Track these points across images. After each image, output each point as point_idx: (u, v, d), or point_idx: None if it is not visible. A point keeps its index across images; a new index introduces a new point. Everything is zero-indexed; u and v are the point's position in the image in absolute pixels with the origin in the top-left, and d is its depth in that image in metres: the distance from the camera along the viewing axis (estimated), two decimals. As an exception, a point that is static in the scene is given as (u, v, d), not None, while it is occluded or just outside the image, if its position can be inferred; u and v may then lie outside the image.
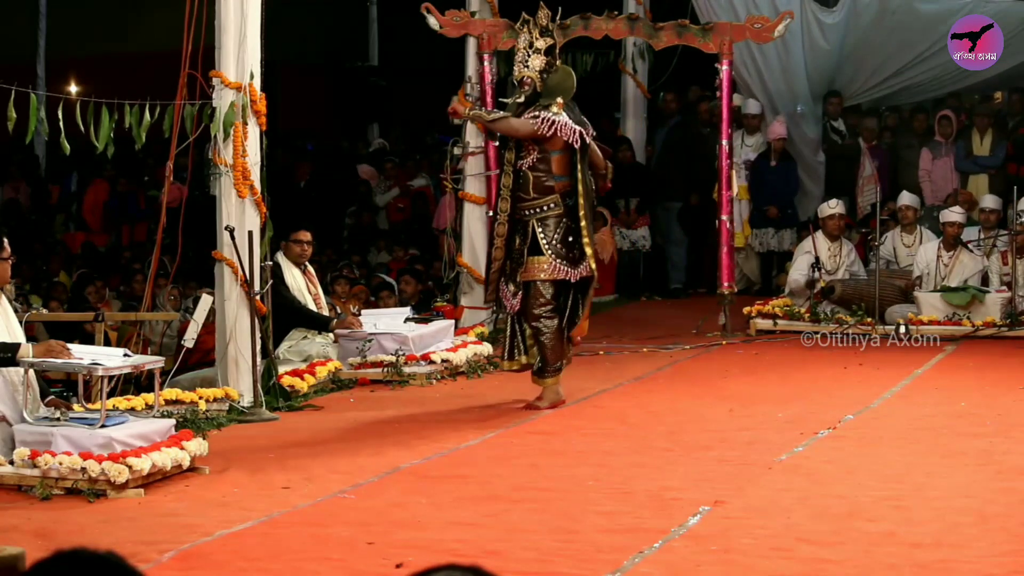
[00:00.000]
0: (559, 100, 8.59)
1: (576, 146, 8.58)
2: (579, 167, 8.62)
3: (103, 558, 2.50)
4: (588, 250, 8.61)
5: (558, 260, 8.59)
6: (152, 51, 15.13)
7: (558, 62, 8.82)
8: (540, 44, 8.72)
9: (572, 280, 8.67)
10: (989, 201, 12.67)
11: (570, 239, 8.62)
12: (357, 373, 9.92)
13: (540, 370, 8.81)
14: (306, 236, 10.24)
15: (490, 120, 8.91)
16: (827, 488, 6.62)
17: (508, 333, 8.96)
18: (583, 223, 8.59)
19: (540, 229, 8.61)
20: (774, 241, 14.48)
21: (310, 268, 10.48)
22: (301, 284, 10.21)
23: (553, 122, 8.50)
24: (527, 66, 8.70)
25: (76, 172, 17.12)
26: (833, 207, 12.57)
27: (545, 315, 8.68)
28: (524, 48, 8.74)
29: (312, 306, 10.21)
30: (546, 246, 8.59)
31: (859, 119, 14.94)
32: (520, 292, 8.73)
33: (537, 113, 8.57)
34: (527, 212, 8.66)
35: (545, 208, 8.63)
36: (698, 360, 10.92)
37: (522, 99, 8.72)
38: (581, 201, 8.59)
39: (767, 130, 14.52)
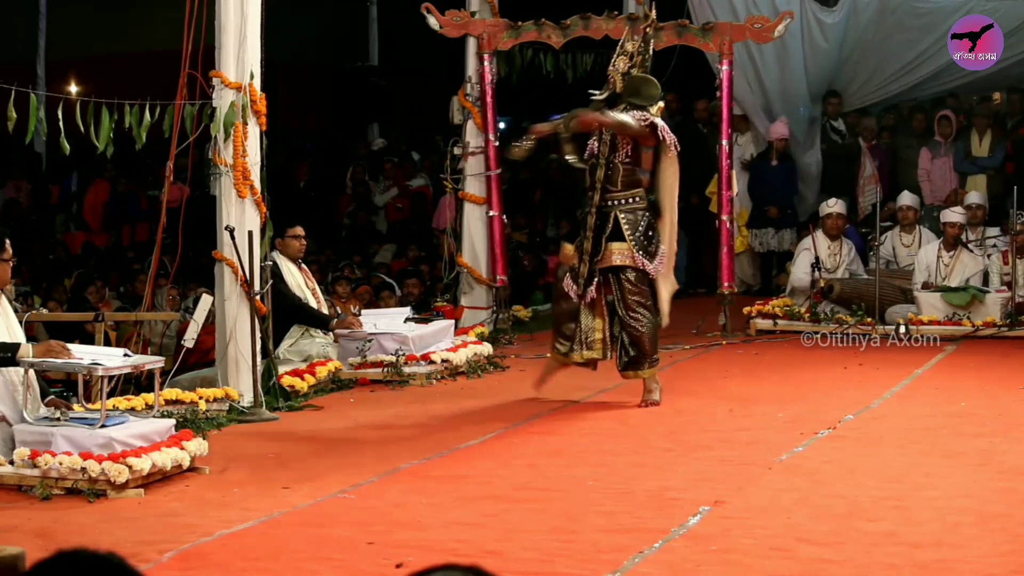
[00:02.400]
0: (660, 105, 8.82)
1: (674, 148, 8.78)
2: (662, 166, 8.81)
3: (104, 558, 2.50)
4: (664, 247, 8.82)
5: (638, 250, 8.74)
6: (152, 51, 15.13)
7: (636, 70, 8.82)
8: (629, 46, 8.90)
9: (651, 274, 8.79)
10: (975, 197, 12.71)
11: (650, 233, 8.80)
12: (357, 373, 9.92)
13: (635, 361, 8.84)
14: (301, 231, 10.25)
15: (611, 120, 8.83)
16: (827, 488, 6.62)
17: (576, 326, 8.94)
18: (666, 224, 8.82)
19: (624, 218, 8.76)
20: (774, 241, 14.49)
21: (304, 265, 10.49)
22: (300, 280, 10.22)
23: (653, 123, 8.69)
24: (613, 65, 8.89)
25: (76, 172, 17.13)
26: (832, 206, 12.58)
27: (641, 304, 8.77)
28: (619, 46, 8.95)
29: (312, 301, 10.21)
30: (629, 234, 8.75)
31: (858, 118, 14.95)
32: (597, 280, 8.81)
33: (642, 115, 8.71)
34: (611, 203, 8.79)
35: (631, 200, 8.81)
36: (698, 360, 10.92)
37: (603, 96, 8.87)
38: (665, 201, 8.82)
39: (768, 130, 14.52)
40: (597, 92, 8.93)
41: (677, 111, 15.20)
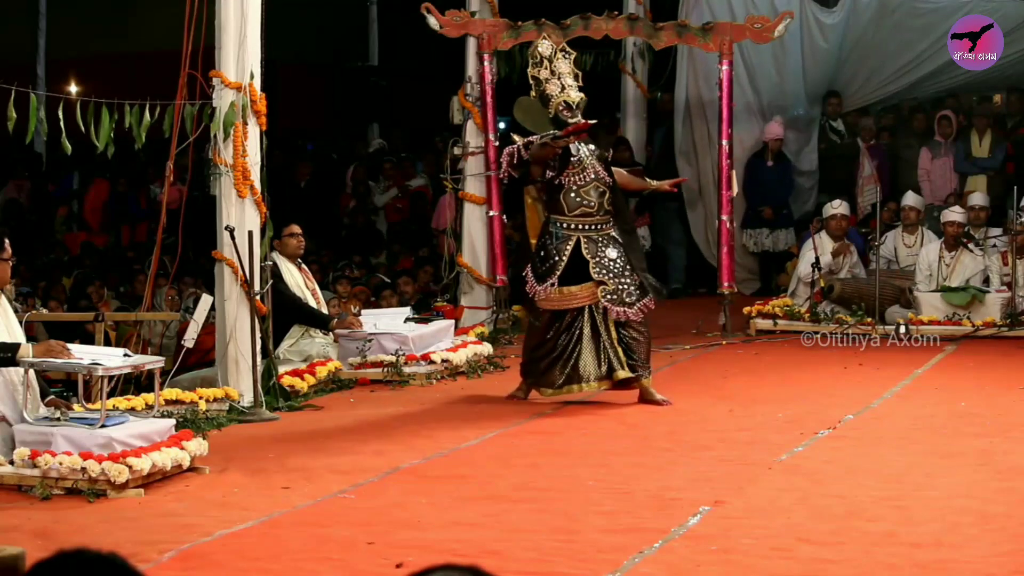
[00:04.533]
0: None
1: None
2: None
3: (105, 559, 2.49)
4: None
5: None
6: (152, 51, 15.13)
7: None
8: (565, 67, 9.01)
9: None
10: (978, 199, 12.71)
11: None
12: (357, 373, 9.92)
13: (634, 368, 8.85)
14: (297, 229, 10.24)
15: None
16: (827, 488, 6.62)
17: (602, 348, 8.81)
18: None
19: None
20: (768, 241, 14.48)
21: (303, 265, 10.50)
22: (299, 280, 10.22)
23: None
24: (580, 90, 8.98)
25: (77, 172, 17.14)
26: (836, 207, 12.56)
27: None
28: (569, 72, 8.99)
29: (312, 301, 10.22)
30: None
31: (857, 118, 14.95)
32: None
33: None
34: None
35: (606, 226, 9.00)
36: (698, 360, 10.91)
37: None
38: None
39: (764, 129, 14.52)
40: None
41: (673, 111, 15.19)
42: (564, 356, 8.80)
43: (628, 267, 8.79)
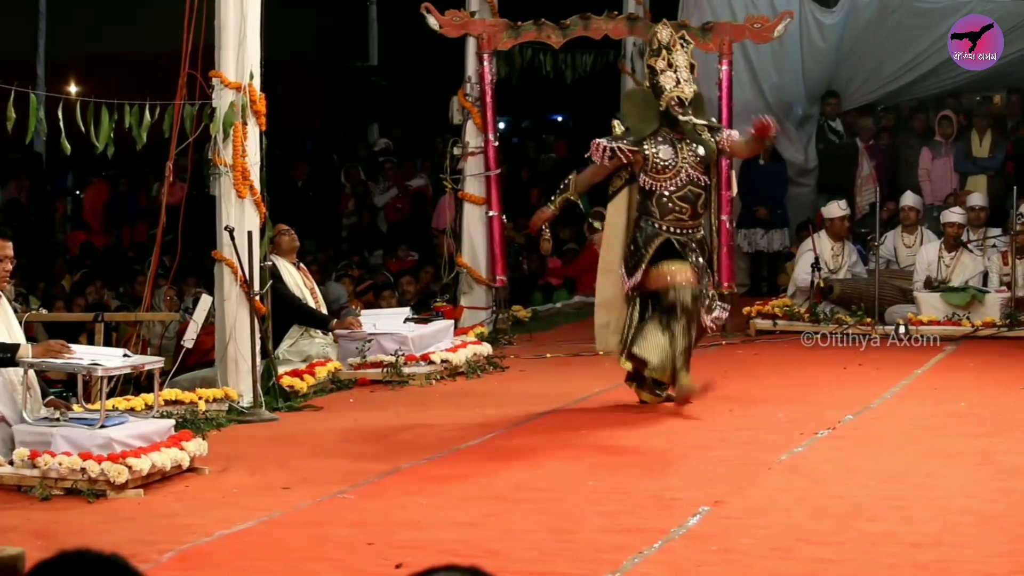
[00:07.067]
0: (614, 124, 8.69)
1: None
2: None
3: (107, 559, 2.49)
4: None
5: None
6: (152, 51, 15.12)
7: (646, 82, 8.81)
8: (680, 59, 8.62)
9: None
10: (977, 199, 12.71)
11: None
12: (357, 373, 9.93)
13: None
14: (284, 226, 10.22)
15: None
16: (827, 488, 6.62)
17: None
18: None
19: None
20: (763, 241, 14.46)
21: (302, 264, 10.49)
22: (298, 280, 10.22)
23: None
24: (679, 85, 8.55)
25: (71, 172, 17.16)
26: (841, 209, 12.53)
27: None
28: (686, 66, 8.54)
29: (310, 301, 10.22)
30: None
31: (856, 118, 14.95)
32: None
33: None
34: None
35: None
36: (698, 360, 10.86)
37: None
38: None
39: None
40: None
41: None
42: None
43: (709, 274, 8.67)
